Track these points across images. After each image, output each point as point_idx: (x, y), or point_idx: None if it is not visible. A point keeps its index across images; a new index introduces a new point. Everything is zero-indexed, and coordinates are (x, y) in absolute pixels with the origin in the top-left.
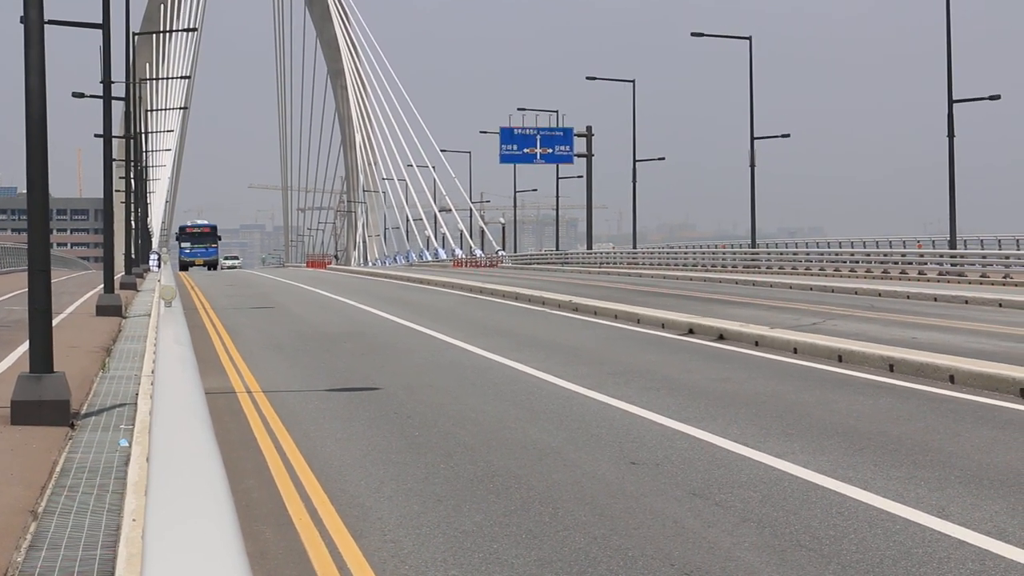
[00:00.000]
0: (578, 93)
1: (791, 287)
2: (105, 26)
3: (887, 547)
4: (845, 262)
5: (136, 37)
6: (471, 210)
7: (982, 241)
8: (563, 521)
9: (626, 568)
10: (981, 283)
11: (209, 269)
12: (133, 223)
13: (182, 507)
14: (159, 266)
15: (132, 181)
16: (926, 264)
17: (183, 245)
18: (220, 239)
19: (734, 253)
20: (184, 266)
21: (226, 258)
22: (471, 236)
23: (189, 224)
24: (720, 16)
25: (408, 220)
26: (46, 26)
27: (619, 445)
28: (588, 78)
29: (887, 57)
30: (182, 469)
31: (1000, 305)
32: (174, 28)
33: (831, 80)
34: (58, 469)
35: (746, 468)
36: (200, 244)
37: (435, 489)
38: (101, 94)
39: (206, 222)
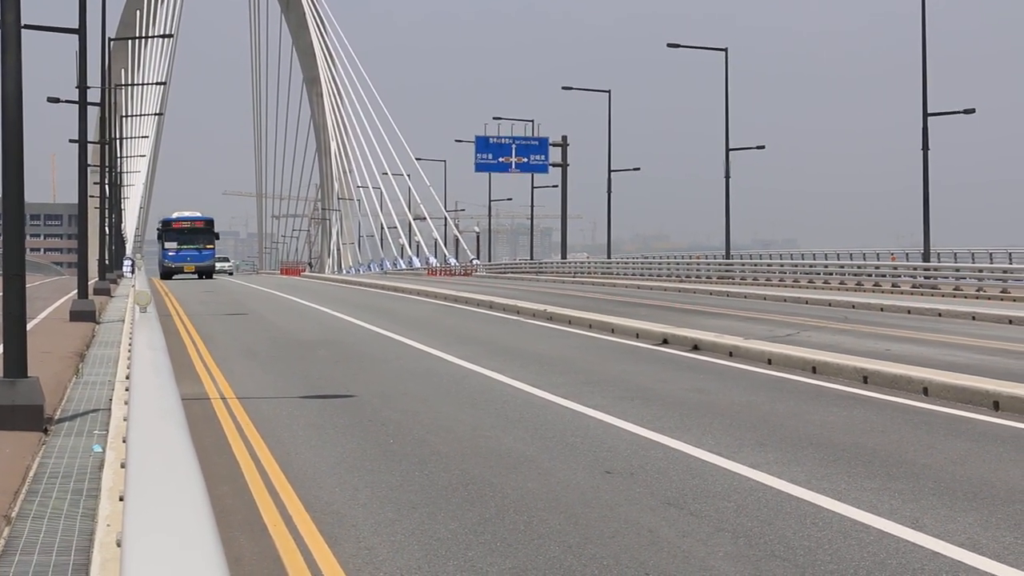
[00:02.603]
0: (554, 104)
1: (765, 298)
2: (81, 31)
3: (861, 558)
4: (819, 274)
5: (112, 43)
6: (446, 219)
7: (956, 255)
8: (538, 529)
9: None
10: (955, 296)
11: (202, 278)
12: (107, 229)
13: (160, 512)
14: (133, 272)
15: (107, 187)
16: (900, 277)
17: (167, 246)
18: (218, 237)
19: (708, 264)
20: (167, 274)
21: (216, 259)
22: (445, 245)
23: (175, 217)
24: (698, 29)
25: (383, 228)
26: (22, 31)
27: (594, 454)
28: (564, 88)
29: (864, 73)
30: (159, 474)
31: (973, 318)
32: (150, 34)
33: (807, 94)
34: (32, 474)
35: (721, 478)
36: (191, 244)
37: (410, 496)
38: (77, 99)
39: (198, 214)
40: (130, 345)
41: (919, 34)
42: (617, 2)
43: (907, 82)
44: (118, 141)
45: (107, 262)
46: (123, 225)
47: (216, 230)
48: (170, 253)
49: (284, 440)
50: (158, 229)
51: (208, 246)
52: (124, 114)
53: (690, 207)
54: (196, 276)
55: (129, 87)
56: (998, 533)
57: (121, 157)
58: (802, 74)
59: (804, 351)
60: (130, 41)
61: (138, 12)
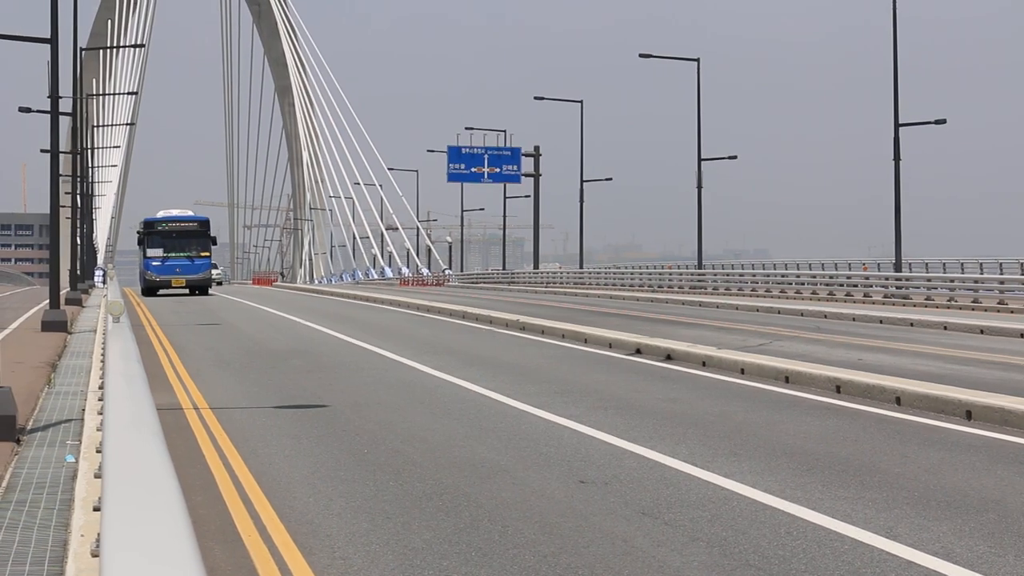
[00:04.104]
0: (527, 114)
1: (737, 308)
2: (53, 41)
3: (836, 567)
4: (791, 284)
5: (84, 52)
6: (418, 228)
7: (927, 264)
8: (512, 539)
9: None
10: (926, 306)
11: (194, 294)
12: (79, 239)
13: (138, 522)
14: (105, 282)
15: (78, 197)
16: (872, 287)
17: (150, 254)
18: (215, 242)
19: (680, 274)
20: (151, 289)
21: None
22: (418, 255)
23: (161, 218)
24: (671, 39)
25: (355, 238)
26: None
27: (568, 464)
28: (536, 98)
29: (837, 85)
30: (137, 483)
31: (945, 328)
32: (122, 44)
33: (780, 105)
34: (4, 484)
35: (695, 488)
36: (180, 252)
37: (384, 506)
38: (48, 109)
39: (190, 213)
40: (103, 355)
41: (891, 46)
42: (591, 13)
43: (880, 95)
44: (90, 151)
45: (79, 272)
46: (95, 235)
47: (212, 233)
48: (154, 263)
49: (258, 450)
50: (139, 233)
51: (203, 254)
52: (96, 124)
53: (662, 217)
54: (187, 292)
55: (101, 97)
56: (972, 542)
57: (93, 167)
58: (775, 85)
59: (777, 361)
60: (102, 51)
61: (109, 22)
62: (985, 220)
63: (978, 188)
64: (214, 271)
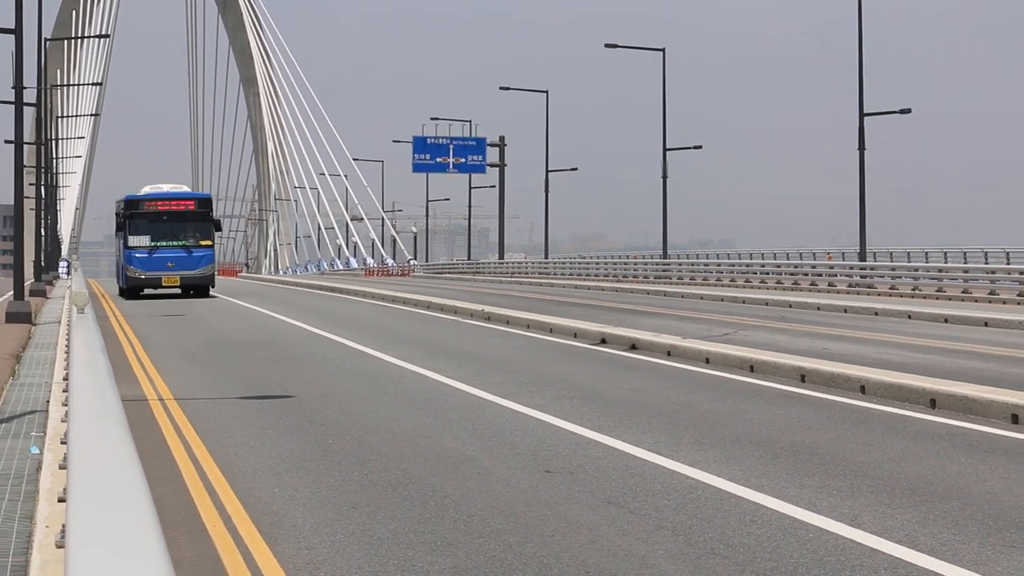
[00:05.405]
0: (493, 105)
1: (702, 298)
2: (17, 31)
3: (800, 555)
4: (756, 273)
5: (48, 43)
6: (383, 219)
7: (891, 254)
8: (478, 529)
9: (541, 575)
10: (891, 295)
11: (189, 294)
12: (43, 230)
13: (104, 512)
14: (69, 273)
15: (42, 188)
16: (836, 276)
17: (132, 243)
18: (219, 228)
19: (646, 264)
20: (135, 288)
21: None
22: (383, 245)
23: (148, 195)
24: (638, 30)
25: (320, 229)
26: None
27: (533, 453)
28: (502, 88)
29: (804, 77)
30: (102, 474)
31: (909, 317)
32: (86, 34)
33: (746, 97)
34: None
35: (660, 477)
36: (174, 240)
37: (350, 496)
38: (12, 100)
39: (185, 189)
40: (67, 346)
41: (857, 35)
42: (559, 3)
43: (848, 86)
44: (54, 142)
45: (43, 264)
46: (59, 226)
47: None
48: (138, 255)
49: (223, 441)
50: (118, 215)
51: (203, 242)
52: (60, 115)
53: (627, 207)
54: (181, 292)
55: (65, 87)
56: (936, 530)
57: (57, 158)
58: (742, 77)
59: (742, 350)
60: (66, 41)
61: (74, 12)
62: (951, 210)
63: (944, 179)
64: None
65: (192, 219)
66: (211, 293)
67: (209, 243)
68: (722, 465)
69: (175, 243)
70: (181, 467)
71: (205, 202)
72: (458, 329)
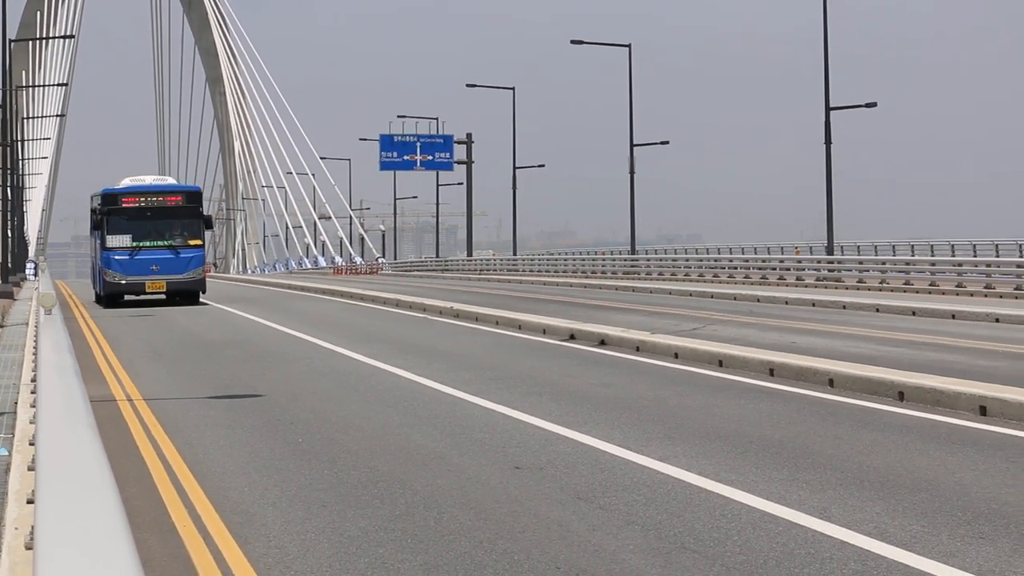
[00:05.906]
0: (460, 102)
1: (671, 293)
2: None
3: (770, 548)
4: (724, 268)
5: (12, 44)
6: (351, 217)
7: (859, 247)
8: (448, 526)
9: (512, 571)
10: (859, 288)
11: (174, 301)
12: (10, 232)
13: (73, 514)
14: (36, 275)
15: (8, 190)
16: (804, 270)
17: (111, 243)
18: (210, 226)
19: (614, 260)
20: (114, 296)
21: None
22: (351, 243)
23: (128, 188)
24: (601, 25)
25: (288, 227)
26: None
27: (503, 450)
28: (468, 85)
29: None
30: (70, 476)
31: (877, 310)
32: (51, 35)
33: (713, 93)
34: None
35: (630, 472)
36: (159, 239)
37: (320, 495)
38: None
39: (171, 181)
40: (35, 348)
41: (822, 28)
42: (527, 1)
43: (816, 83)
44: (20, 143)
45: (10, 265)
46: (26, 228)
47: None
48: (117, 256)
49: (192, 440)
50: (94, 212)
51: (192, 242)
52: (25, 116)
53: (595, 203)
54: (165, 298)
55: (30, 88)
56: (905, 522)
57: (23, 159)
58: (710, 73)
59: (711, 345)
60: (31, 42)
61: (39, 13)
62: (918, 204)
63: (911, 173)
64: None
65: (179, 215)
66: (202, 300)
67: (199, 243)
68: (692, 460)
69: (160, 243)
70: (150, 467)
71: (194, 196)
72: (427, 327)
